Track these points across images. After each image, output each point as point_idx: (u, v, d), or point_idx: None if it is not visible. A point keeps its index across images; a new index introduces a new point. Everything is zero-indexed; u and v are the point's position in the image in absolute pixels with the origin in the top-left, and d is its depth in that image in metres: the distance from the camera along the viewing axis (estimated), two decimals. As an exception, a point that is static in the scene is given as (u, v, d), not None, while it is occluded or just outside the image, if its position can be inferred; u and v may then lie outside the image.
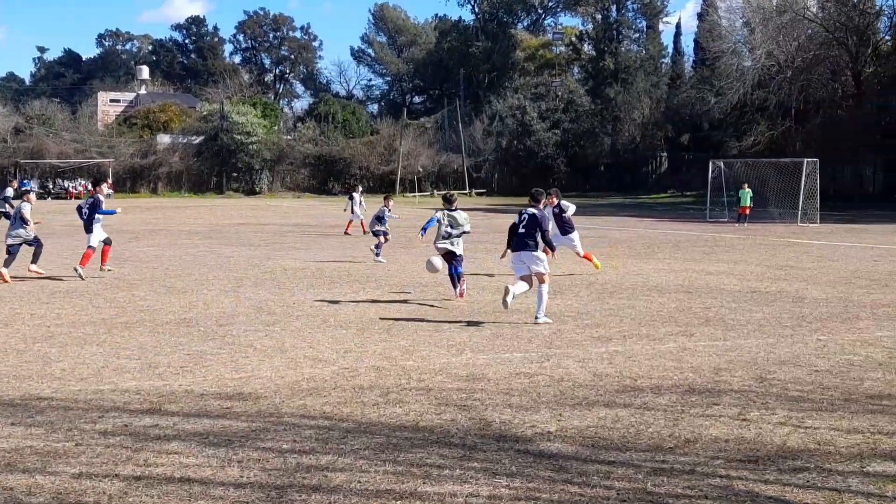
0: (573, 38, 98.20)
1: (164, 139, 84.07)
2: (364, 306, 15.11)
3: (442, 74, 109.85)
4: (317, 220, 43.26)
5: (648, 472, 6.71)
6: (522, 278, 13.64)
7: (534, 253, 13.58)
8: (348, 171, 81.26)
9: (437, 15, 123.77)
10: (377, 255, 22.99)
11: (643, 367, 10.32)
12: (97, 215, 18.89)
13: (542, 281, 13.44)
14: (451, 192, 14.81)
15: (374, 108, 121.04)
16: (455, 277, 16.07)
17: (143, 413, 8.27)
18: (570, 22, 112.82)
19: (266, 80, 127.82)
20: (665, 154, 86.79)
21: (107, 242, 19.54)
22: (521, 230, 13.75)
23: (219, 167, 79.61)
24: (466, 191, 79.93)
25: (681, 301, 15.89)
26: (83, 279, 18.28)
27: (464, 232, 16.02)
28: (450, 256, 15.98)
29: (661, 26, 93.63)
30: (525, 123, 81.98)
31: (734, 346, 11.67)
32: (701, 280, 19.03)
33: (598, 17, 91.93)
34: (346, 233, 33.02)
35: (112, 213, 20.61)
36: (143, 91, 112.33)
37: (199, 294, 16.62)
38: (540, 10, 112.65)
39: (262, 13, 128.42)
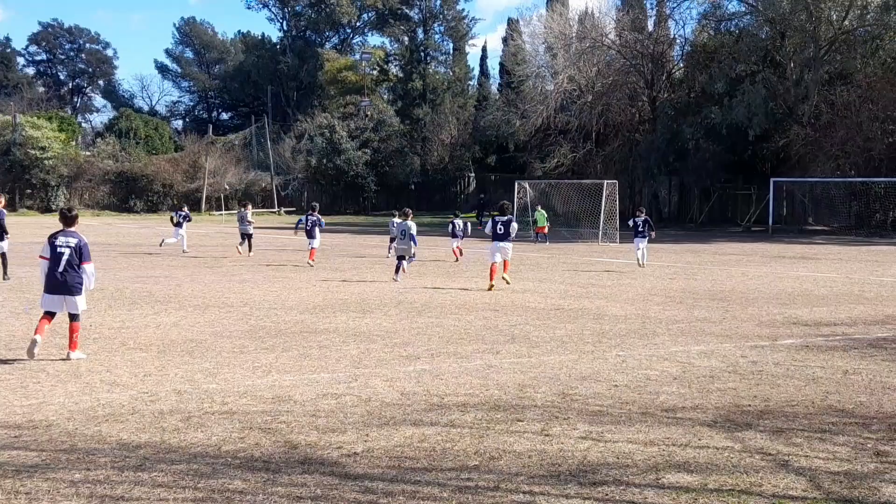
0: (380, 60, 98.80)
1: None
2: (165, 328, 14.62)
3: (250, 91, 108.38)
4: (117, 238, 41.74)
5: (454, 490, 6.72)
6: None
7: (645, 238, 27.92)
8: (151, 189, 78.77)
9: (240, 31, 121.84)
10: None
11: (450, 385, 10.39)
12: (317, 228, 28.63)
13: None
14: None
15: (179, 123, 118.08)
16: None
17: (-82, 446, 7.69)
18: (378, 42, 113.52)
19: (63, 93, 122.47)
20: (472, 174, 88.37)
21: (316, 246, 28.35)
22: (641, 227, 27.86)
23: (11, 183, 75.51)
24: (276, 209, 79.02)
25: (487, 319, 16.13)
26: (312, 266, 26.57)
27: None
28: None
29: (467, 49, 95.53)
30: (334, 142, 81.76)
31: (538, 362, 11.91)
32: (507, 298, 19.39)
33: (406, 38, 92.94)
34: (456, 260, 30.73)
35: (322, 224, 29.61)
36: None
37: (-13, 317, 15.69)
38: (348, 30, 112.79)
39: (56, 24, 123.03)
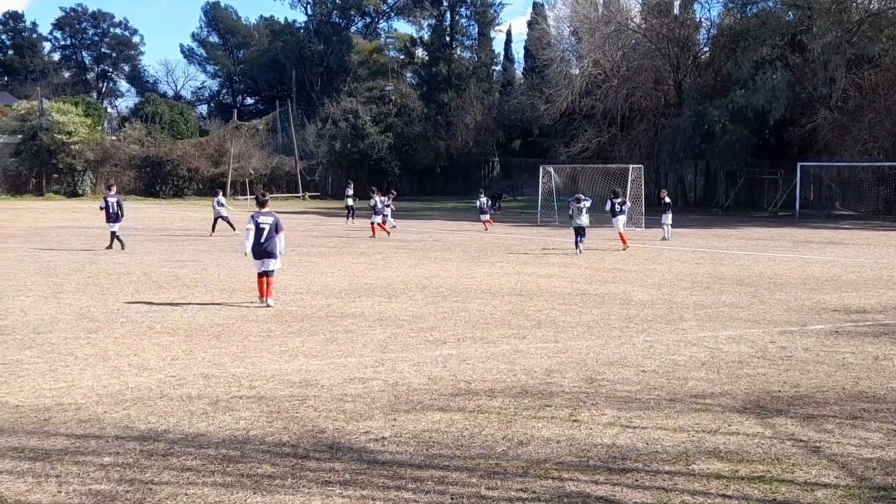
0: (407, 44, 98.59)
1: (-23, 139, 79.55)
2: (192, 312, 14.67)
3: (275, 76, 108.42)
4: (143, 223, 41.90)
5: (482, 475, 6.70)
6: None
7: (669, 214, 33.98)
8: (176, 173, 78.95)
9: (262, 16, 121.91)
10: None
11: (477, 370, 10.36)
12: (387, 210, 35.61)
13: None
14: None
15: (204, 108, 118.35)
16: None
17: (-50, 429, 7.74)
18: (403, 28, 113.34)
19: (88, 78, 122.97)
20: (497, 159, 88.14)
21: (384, 221, 34.68)
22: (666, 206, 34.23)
23: (38, 168, 75.93)
24: (300, 194, 79.12)
25: (513, 304, 16.08)
26: (389, 234, 33.26)
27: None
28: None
29: (493, 34, 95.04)
30: (358, 127, 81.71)
31: (565, 347, 11.86)
32: (532, 283, 19.34)
33: (432, 23, 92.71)
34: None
35: (389, 205, 36.52)
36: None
37: (16, 300, 15.80)
38: (374, 15, 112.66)
39: (80, 9, 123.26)
